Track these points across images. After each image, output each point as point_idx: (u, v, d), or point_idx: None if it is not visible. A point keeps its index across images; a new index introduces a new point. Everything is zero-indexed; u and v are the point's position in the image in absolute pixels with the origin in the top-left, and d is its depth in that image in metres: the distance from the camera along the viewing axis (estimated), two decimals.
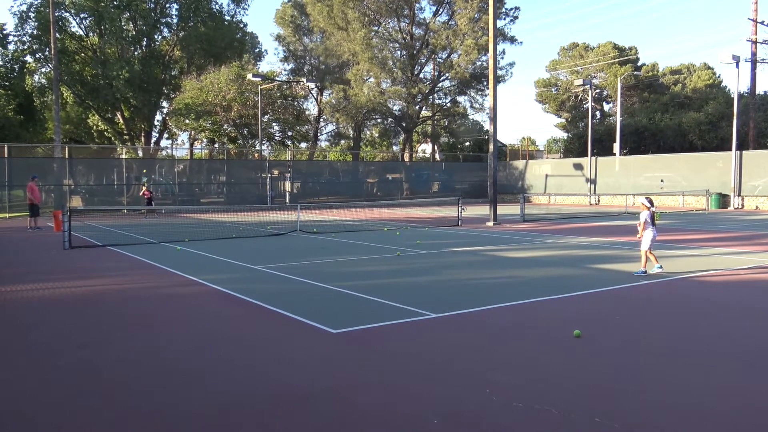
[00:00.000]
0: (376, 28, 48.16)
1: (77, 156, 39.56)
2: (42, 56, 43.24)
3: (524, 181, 47.47)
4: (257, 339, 6.83)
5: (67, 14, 42.54)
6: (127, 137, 47.45)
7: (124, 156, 40.13)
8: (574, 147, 51.72)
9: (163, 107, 49.29)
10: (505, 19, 48.41)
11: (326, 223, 24.14)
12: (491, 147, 23.88)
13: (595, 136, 45.16)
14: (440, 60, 49.66)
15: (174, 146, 59.23)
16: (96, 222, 25.61)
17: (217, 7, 47.96)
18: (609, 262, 12.77)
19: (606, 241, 16.99)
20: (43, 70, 45.25)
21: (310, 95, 54.41)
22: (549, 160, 55.85)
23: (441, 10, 48.88)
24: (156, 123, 49.62)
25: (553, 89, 61.42)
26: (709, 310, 8.23)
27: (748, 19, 37.46)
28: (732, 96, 38.57)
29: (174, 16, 46.62)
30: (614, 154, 42.46)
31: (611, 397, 4.94)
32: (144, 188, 28.86)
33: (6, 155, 31.10)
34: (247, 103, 44.03)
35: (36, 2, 41.21)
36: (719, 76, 56.89)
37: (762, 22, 37.21)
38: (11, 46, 43.66)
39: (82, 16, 43.08)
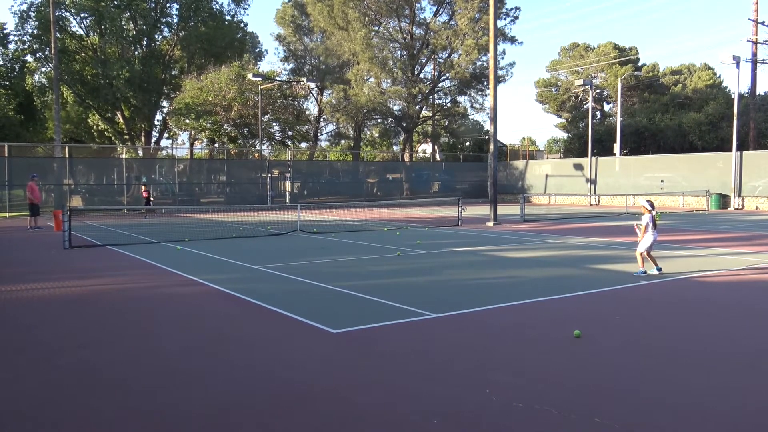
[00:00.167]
0: (377, 28, 48.17)
1: (77, 156, 39.56)
2: (42, 56, 43.25)
3: (524, 181, 47.48)
4: (257, 339, 6.83)
5: (68, 14, 42.55)
6: (127, 137, 47.46)
7: (124, 156, 40.13)
8: (574, 147, 51.72)
9: (164, 107, 49.32)
10: (505, 19, 48.44)
11: (326, 223, 24.14)
12: (491, 147, 23.88)
13: (596, 136, 45.17)
14: (440, 60, 49.67)
15: (174, 146, 59.34)
16: (96, 222, 25.61)
17: (218, 7, 47.99)
18: (609, 262, 12.77)
19: (606, 241, 16.99)
20: (44, 69, 45.26)
21: (311, 95, 54.45)
22: (549, 160, 55.86)
23: (441, 10, 48.90)
24: (156, 123, 49.63)
25: (553, 89, 61.42)
26: (709, 311, 8.23)
27: (749, 19, 37.48)
28: (732, 96, 38.56)
29: (174, 16, 46.67)
30: (614, 155, 42.46)
31: (611, 397, 4.94)
32: (143, 188, 28.93)
33: (6, 155, 31.10)
34: (247, 102, 44.04)
35: (36, 2, 41.22)
36: (720, 77, 56.93)
37: (762, 23, 37.21)
38: (11, 46, 43.73)
39: (82, 15, 43.09)
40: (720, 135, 42.90)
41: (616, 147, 42.39)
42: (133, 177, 36.68)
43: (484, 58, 45.73)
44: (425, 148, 69.69)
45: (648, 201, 11.11)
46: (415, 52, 48.66)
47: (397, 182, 48.08)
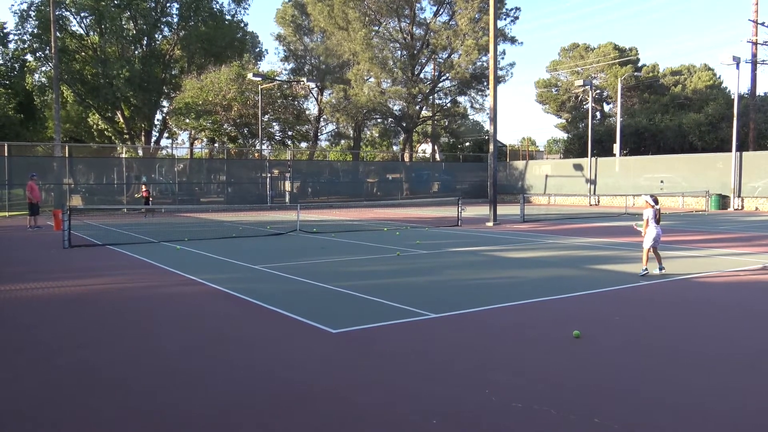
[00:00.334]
0: (377, 28, 48.17)
1: (77, 155, 39.57)
2: (42, 55, 43.26)
3: (524, 181, 47.48)
4: (257, 339, 6.83)
5: (68, 13, 42.56)
6: (127, 136, 47.47)
7: (124, 155, 40.14)
8: (574, 147, 51.72)
9: (164, 106, 49.33)
10: (505, 19, 48.45)
11: (326, 223, 24.14)
12: (491, 147, 23.88)
13: (595, 136, 45.17)
14: (440, 60, 49.66)
15: (174, 145, 59.29)
16: (96, 221, 25.61)
17: (218, 7, 48.01)
18: (609, 262, 12.77)
19: (606, 241, 16.99)
20: (44, 68, 45.27)
21: (311, 95, 54.45)
22: (549, 160, 55.85)
23: (441, 10, 48.90)
24: (156, 122, 49.65)
25: (553, 90, 61.43)
26: (709, 311, 8.23)
27: (749, 20, 37.48)
28: (732, 97, 38.57)
29: (174, 16, 46.68)
30: (614, 155, 42.46)
31: (611, 397, 4.94)
32: (143, 188, 28.96)
33: (6, 154, 31.10)
34: (247, 102, 44.04)
35: (36, 1, 41.23)
36: (719, 77, 56.92)
37: (762, 24, 37.21)
38: (12, 45, 43.69)
39: (82, 15, 43.09)
40: (720, 136, 42.91)
41: (616, 147, 42.39)
42: (132, 176, 36.69)
43: (484, 58, 45.73)
44: (425, 148, 69.70)
45: (651, 196, 11.11)
46: (415, 52, 48.67)
47: (396, 182, 48.09)
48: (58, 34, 36.73)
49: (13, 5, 63.63)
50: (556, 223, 24.08)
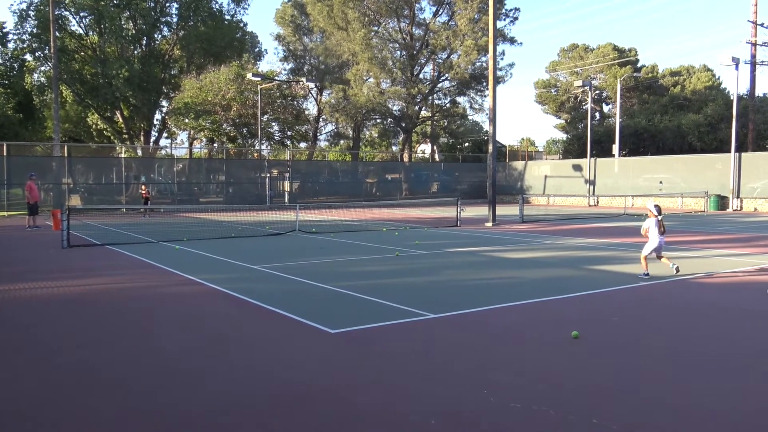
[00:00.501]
0: (376, 28, 48.19)
1: (76, 155, 39.55)
2: (41, 55, 43.23)
3: (523, 181, 47.50)
4: (256, 339, 6.84)
5: (67, 13, 42.53)
6: (126, 136, 47.45)
7: (123, 155, 40.13)
8: (573, 148, 51.76)
9: (163, 106, 49.32)
10: (504, 19, 48.49)
11: (325, 223, 24.15)
12: (490, 148, 23.89)
13: (595, 137, 45.19)
14: (440, 60, 49.69)
15: (173, 145, 59.27)
16: (95, 221, 25.61)
17: (217, 7, 47.99)
18: (608, 263, 12.78)
19: (605, 242, 17.01)
20: (43, 68, 45.26)
21: (310, 95, 54.46)
22: (548, 161, 55.90)
23: (441, 10, 48.92)
24: (155, 122, 49.62)
25: (552, 90, 61.48)
26: (708, 312, 8.24)
27: (748, 21, 37.51)
28: (731, 98, 38.62)
29: (174, 15, 46.66)
30: (613, 156, 42.51)
31: (610, 397, 4.95)
32: (143, 188, 28.97)
33: (5, 154, 31.08)
34: (246, 102, 44.04)
35: (36, 0, 41.19)
36: (719, 78, 56.98)
37: (762, 24, 37.24)
38: (11, 45, 43.73)
39: (81, 14, 43.07)
40: (719, 136, 42.95)
41: (615, 148, 42.43)
42: (132, 176, 36.69)
43: (484, 59, 45.76)
44: (424, 149, 69.73)
45: (655, 205, 11.08)
46: (415, 52, 48.69)
47: (396, 182, 48.11)
48: (57, 33, 36.70)
49: (12, 5, 63.72)
50: (555, 224, 24.09)
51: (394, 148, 63.86)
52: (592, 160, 42.47)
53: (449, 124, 57.59)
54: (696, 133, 44.27)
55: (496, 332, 7.12)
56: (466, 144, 62.70)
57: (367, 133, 64.09)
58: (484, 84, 47.61)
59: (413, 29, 48.48)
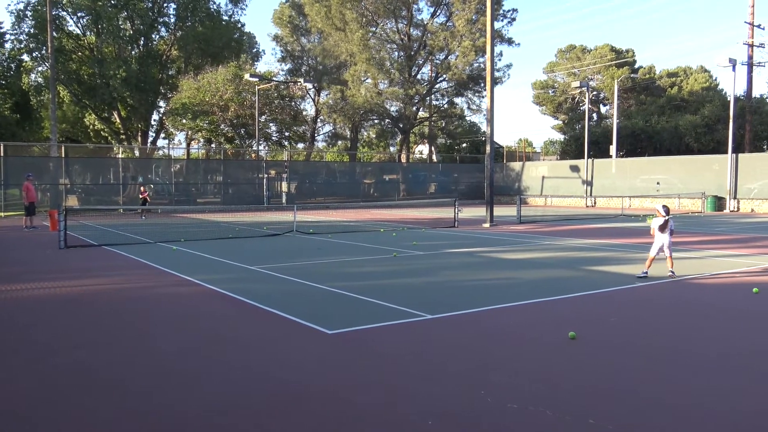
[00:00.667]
0: (374, 29, 48.22)
1: (73, 155, 39.47)
2: (39, 55, 43.15)
3: (521, 182, 47.55)
4: (253, 339, 6.83)
5: (65, 13, 42.49)
6: (123, 137, 47.40)
7: (120, 155, 40.08)
8: (570, 149, 51.83)
9: (160, 107, 49.28)
10: (502, 20, 48.54)
11: (323, 224, 24.14)
12: (488, 148, 23.91)
13: (592, 138, 45.25)
14: (438, 61, 49.74)
15: (171, 146, 59.22)
16: (92, 221, 25.57)
17: (215, 7, 47.99)
18: (605, 264, 12.80)
19: (602, 243, 17.02)
20: (40, 68, 45.17)
21: (308, 96, 54.47)
22: (546, 161, 55.94)
23: (439, 11, 48.97)
24: (153, 122, 49.59)
25: (550, 91, 61.55)
26: (705, 313, 8.25)
27: (745, 22, 37.64)
28: (728, 99, 38.71)
29: (171, 16, 46.64)
30: (611, 156, 42.57)
31: (607, 398, 4.95)
32: (142, 189, 28.97)
33: (2, 154, 31.03)
34: (244, 103, 44.02)
35: (33, 1, 41.13)
36: (716, 79, 57.11)
37: (758, 26, 37.36)
38: (8, 45, 43.68)
39: (79, 15, 43.03)
40: (716, 137, 43.04)
41: (613, 149, 42.49)
42: (129, 177, 36.65)
43: (481, 60, 45.81)
44: (422, 149, 69.73)
45: (664, 206, 11.15)
46: (413, 53, 48.72)
47: (393, 183, 48.11)
48: (54, 34, 36.65)
49: (9, 5, 63.54)
50: (552, 225, 24.12)
51: (391, 148, 63.87)
52: (590, 160, 42.52)
53: (447, 124, 57.64)
54: (693, 134, 44.36)
55: (493, 333, 7.12)
56: (464, 145, 62.75)
57: (365, 133, 64.11)
58: (482, 85, 47.63)
59: (411, 30, 48.52)
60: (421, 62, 50.54)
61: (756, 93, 45.46)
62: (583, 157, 43.00)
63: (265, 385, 5.31)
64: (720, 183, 34.98)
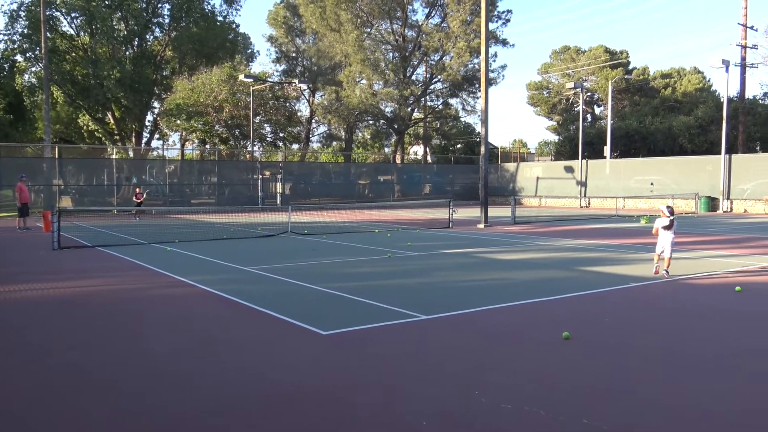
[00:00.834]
0: (369, 29, 48.22)
1: (67, 156, 39.36)
2: (32, 55, 42.99)
3: (515, 183, 47.63)
4: (247, 340, 6.82)
5: (58, 13, 42.31)
6: (117, 137, 47.25)
7: (114, 156, 39.96)
8: (565, 150, 51.93)
9: (155, 107, 49.12)
10: (497, 21, 48.64)
11: (317, 225, 24.13)
12: (483, 149, 23.94)
13: (586, 139, 45.37)
14: (432, 62, 49.77)
15: (165, 147, 59.06)
16: (86, 222, 25.49)
17: (209, 8, 47.86)
18: (599, 264, 12.83)
19: (596, 243, 17.06)
20: (34, 69, 45.00)
21: (302, 96, 54.41)
22: (540, 162, 56.07)
23: (433, 12, 49.02)
24: (147, 123, 49.43)
25: (544, 92, 61.68)
26: (699, 313, 8.28)
27: (738, 23, 37.80)
28: (722, 100, 38.84)
29: (166, 17, 46.50)
30: (605, 157, 42.67)
31: (601, 398, 4.97)
32: (137, 190, 28.91)
33: None
34: (238, 103, 43.94)
35: (27, 1, 40.97)
36: (709, 80, 57.33)
37: (752, 27, 37.52)
38: (1, 45, 43.42)
39: (73, 15, 42.85)
40: (709, 138, 43.21)
41: (607, 150, 42.60)
42: (123, 178, 36.55)
43: (476, 61, 45.88)
44: (417, 150, 69.81)
45: (668, 206, 11.27)
46: (407, 54, 48.74)
47: (388, 184, 48.11)
48: (48, 34, 36.52)
49: (3, 5, 63.51)
50: (546, 225, 24.17)
51: (386, 149, 63.87)
52: (584, 161, 42.63)
53: (441, 125, 57.69)
54: (687, 135, 44.52)
55: (488, 333, 7.13)
56: (459, 145, 62.82)
57: (360, 134, 64.09)
58: (477, 86, 47.70)
59: (406, 31, 48.55)
60: (415, 63, 50.58)
61: (749, 94, 45.79)
62: (578, 158, 43.11)
63: (259, 386, 5.31)
64: (713, 184, 35.12)
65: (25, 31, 41.54)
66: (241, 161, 45.63)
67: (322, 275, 11.19)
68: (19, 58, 44.49)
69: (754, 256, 14.22)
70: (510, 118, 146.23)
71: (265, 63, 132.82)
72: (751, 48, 37.99)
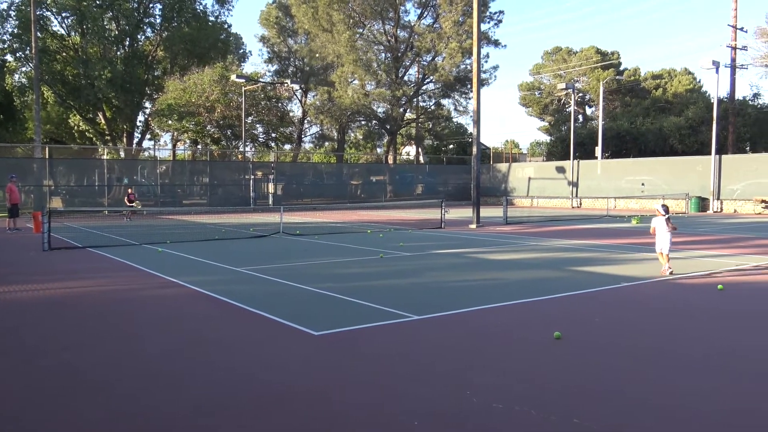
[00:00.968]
0: (361, 30, 48.21)
1: (58, 156, 39.15)
2: (23, 55, 42.72)
3: (507, 183, 47.74)
4: (238, 341, 6.82)
5: (49, 13, 42.08)
6: (108, 138, 47.03)
7: (105, 157, 39.75)
8: (556, 150, 52.11)
9: (146, 108, 48.92)
10: (489, 22, 48.73)
11: (309, 225, 24.11)
12: (475, 150, 23.99)
13: (578, 139, 45.54)
14: (424, 63, 49.83)
15: (156, 147, 58.85)
16: (76, 223, 25.37)
17: (201, 8, 47.68)
18: (590, 264, 12.89)
19: (587, 243, 17.13)
20: (24, 69, 44.75)
21: (294, 97, 54.35)
22: (532, 163, 56.21)
23: (426, 13, 49.07)
24: (138, 123, 49.22)
25: (536, 93, 61.86)
26: (688, 313, 8.33)
27: (728, 25, 38.05)
28: (712, 101, 39.10)
29: (157, 16, 46.31)
30: (596, 158, 42.85)
31: (592, 397, 4.99)
32: (130, 191, 28.82)
33: None
34: (230, 104, 43.85)
35: (17, 0, 40.73)
36: (699, 81, 57.66)
37: (741, 29, 37.78)
38: None
39: (63, 15, 42.63)
40: (700, 139, 43.47)
41: (598, 150, 42.78)
42: (114, 178, 36.39)
43: (468, 61, 45.97)
44: (409, 151, 69.85)
45: (663, 205, 11.42)
46: (400, 54, 48.77)
47: (380, 184, 48.10)
48: (38, 34, 36.33)
49: None
50: (538, 226, 24.24)
51: (378, 150, 63.87)
52: (575, 162, 42.78)
53: (434, 126, 57.75)
54: (677, 135, 44.77)
55: (479, 333, 7.15)
56: (451, 146, 62.90)
57: (352, 135, 64.09)
58: (469, 86, 47.80)
59: (398, 31, 48.57)
60: (408, 64, 50.61)
61: (739, 95, 46.05)
62: (569, 159, 43.25)
63: (250, 386, 5.30)
64: (703, 184, 35.33)
65: (15, 30, 41.27)
66: (232, 162, 45.52)
67: (313, 276, 11.18)
68: (9, 57, 44.19)
69: (745, 255, 14.31)
70: (502, 118, 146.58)
71: (257, 63, 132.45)
72: (741, 49, 38.27)
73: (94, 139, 49.01)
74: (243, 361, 6.06)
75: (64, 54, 44.01)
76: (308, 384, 5.33)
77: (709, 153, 35.70)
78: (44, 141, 40.75)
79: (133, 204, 28.26)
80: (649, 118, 48.88)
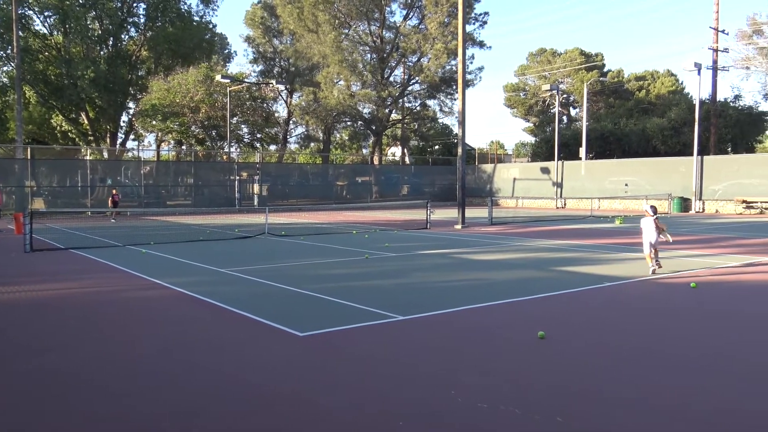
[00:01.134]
0: (347, 31, 48.21)
1: (40, 157, 38.72)
2: (4, 54, 42.26)
3: (492, 184, 47.91)
4: (223, 342, 6.79)
5: (31, 12, 41.68)
6: (91, 138, 46.63)
7: (88, 157, 39.42)
8: (541, 151, 52.41)
9: (130, 108, 48.59)
10: (474, 23, 48.90)
11: (295, 226, 24.05)
12: (460, 150, 24.06)
13: (562, 140, 45.82)
14: (410, 64, 49.92)
15: (140, 148, 58.42)
16: (59, 224, 25.12)
17: (186, 8, 47.46)
18: (574, 264, 12.97)
19: (571, 243, 17.24)
20: (5, 68, 44.24)
21: (280, 97, 54.22)
22: (517, 164, 56.49)
23: (411, 14, 49.16)
24: (122, 124, 48.86)
25: (521, 94, 62.15)
26: (671, 312, 8.40)
27: (710, 27, 38.47)
28: (694, 102, 39.51)
29: (141, 16, 46.03)
30: (580, 159, 43.14)
31: (576, 397, 5.02)
32: (114, 192, 28.62)
33: None
34: (215, 104, 43.65)
35: None
36: (682, 83, 58.26)
37: (722, 31, 38.22)
38: None
39: (46, 14, 42.24)
40: (682, 140, 43.92)
41: (582, 151, 43.08)
42: (97, 179, 36.08)
43: (453, 62, 46.09)
44: (395, 151, 69.90)
45: (651, 206, 11.53)
46: (385, 55, 48.82)
47: (366, 185, 48.11)
48: (20, 33, 35.96)
49: None
50: (523, 226, 24.36)
51: (364, 150, 63.87)
52: (560, 163, 43.03)
53: (419, 127, 57.86)
54: (660, 136, 45.20)
55: (464, 333, 7.17)
56: (436, 147, 63.04)
57: (338, 135, 64.05)
58: (454, 87, 47.92)
59: (384, 32, 48.62)
60: (393, 64, 50.68)
61: (720, 96, 46.65)
62: (554, 160, 43.50)
63: (234, 387, 5.28)
64: (686, 184, 35.68)
65: None
66: (217, 162, 45.32)
67: (299, 277, 11.16)
68: None
69: (726, 255, 14.48)
70: (487, 119, 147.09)
71: (242, 63, 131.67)
72: (723, 51, 38.72)
73: (77, 139, 48.57)
74: (227, 362, 6.03)
75: (46, 53, 43.58)
76: (293, 385, 5.32)
77: (692, 154, 36.06)
78: (26, 141, 40.33)
79: (116, 203, 28.06)
80: (633, 120, 49.32)
